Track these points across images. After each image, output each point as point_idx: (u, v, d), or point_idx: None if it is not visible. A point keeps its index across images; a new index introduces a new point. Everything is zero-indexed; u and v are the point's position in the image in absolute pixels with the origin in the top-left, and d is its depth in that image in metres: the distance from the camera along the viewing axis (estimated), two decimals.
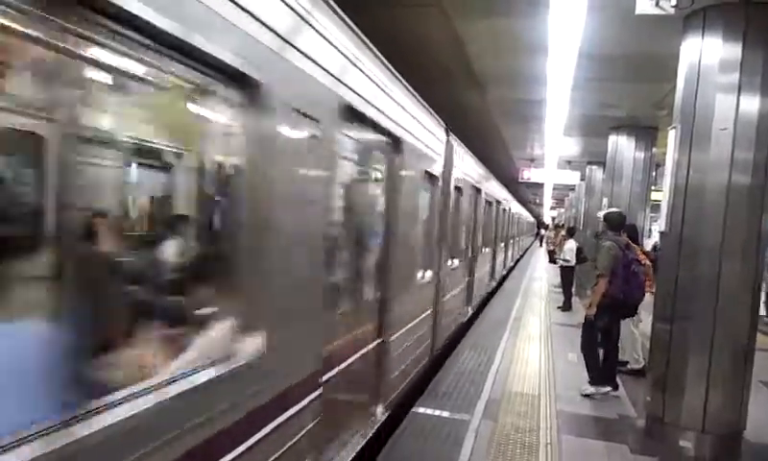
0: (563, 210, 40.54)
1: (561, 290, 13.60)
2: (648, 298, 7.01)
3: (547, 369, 7.60)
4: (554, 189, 29.42)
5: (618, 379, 6.80)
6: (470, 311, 11.42)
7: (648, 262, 7.35)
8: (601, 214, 7.58)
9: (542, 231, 50.69)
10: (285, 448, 3.10)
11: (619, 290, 6.28)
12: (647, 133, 11.89)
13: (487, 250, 13.91)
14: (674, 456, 5.03)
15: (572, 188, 25.83)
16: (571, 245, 13.25)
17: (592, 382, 6.62)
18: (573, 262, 13.01)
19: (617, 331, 6.78)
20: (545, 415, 5.81)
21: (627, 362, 7.56)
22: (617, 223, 6.75)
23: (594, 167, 17.00)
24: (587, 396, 6.53)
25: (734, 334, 5.04)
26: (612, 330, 6.69)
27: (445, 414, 5.66)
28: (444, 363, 7.79)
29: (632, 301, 6.46)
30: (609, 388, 6.58)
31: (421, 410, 5.72)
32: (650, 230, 14.77)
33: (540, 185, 26.48)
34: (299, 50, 3.01)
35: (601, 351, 6.75)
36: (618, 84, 8.92)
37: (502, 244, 18.63)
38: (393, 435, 5.07)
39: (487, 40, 7.40)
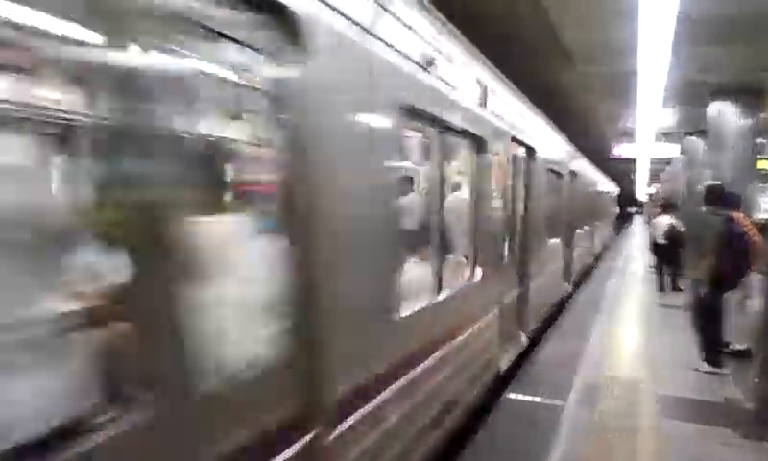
0: (659, 185, 38.42)
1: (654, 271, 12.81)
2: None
3: (646, 351, 7.26)
4: (651, 164, 28.12)
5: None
6: (596, 255, 18.96)
7: (756, 237, 6.86)
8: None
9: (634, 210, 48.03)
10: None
11: (728, 266, 6.14)
12: (752, 97, 11.08)
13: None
14: None
15: (668, 162, 24.65)
16: (663, 221, 12.20)
17: (707, 362, 6.43)
18: (662, 241, 12.02)
19: (721, 308, 6.49)
20: (646, 400, 5.56)
21: (729, 342, 7.09)
22: (716, 196, 6.66)
23: (693, 138, 16.08)
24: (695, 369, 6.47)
25: None
26: (717, 307, 6.42)
27: (538, 399, 5.55)
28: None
29: (739, 276, 6.28)
30: (727, 371, 6.32)
31: (513, 396, 5.64)
32: (759, 202, 13.74)
33: (633, 161, 25.40)
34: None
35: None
36: (720, 48, 8.34)
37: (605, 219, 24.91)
38: (485, 420, 5.03)
39: (572, 9, 7.15)
